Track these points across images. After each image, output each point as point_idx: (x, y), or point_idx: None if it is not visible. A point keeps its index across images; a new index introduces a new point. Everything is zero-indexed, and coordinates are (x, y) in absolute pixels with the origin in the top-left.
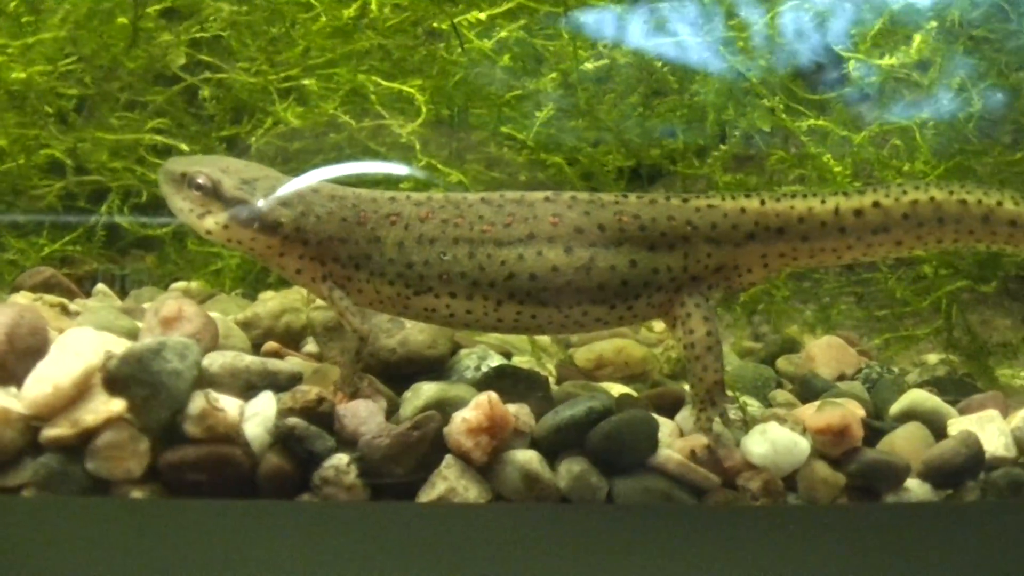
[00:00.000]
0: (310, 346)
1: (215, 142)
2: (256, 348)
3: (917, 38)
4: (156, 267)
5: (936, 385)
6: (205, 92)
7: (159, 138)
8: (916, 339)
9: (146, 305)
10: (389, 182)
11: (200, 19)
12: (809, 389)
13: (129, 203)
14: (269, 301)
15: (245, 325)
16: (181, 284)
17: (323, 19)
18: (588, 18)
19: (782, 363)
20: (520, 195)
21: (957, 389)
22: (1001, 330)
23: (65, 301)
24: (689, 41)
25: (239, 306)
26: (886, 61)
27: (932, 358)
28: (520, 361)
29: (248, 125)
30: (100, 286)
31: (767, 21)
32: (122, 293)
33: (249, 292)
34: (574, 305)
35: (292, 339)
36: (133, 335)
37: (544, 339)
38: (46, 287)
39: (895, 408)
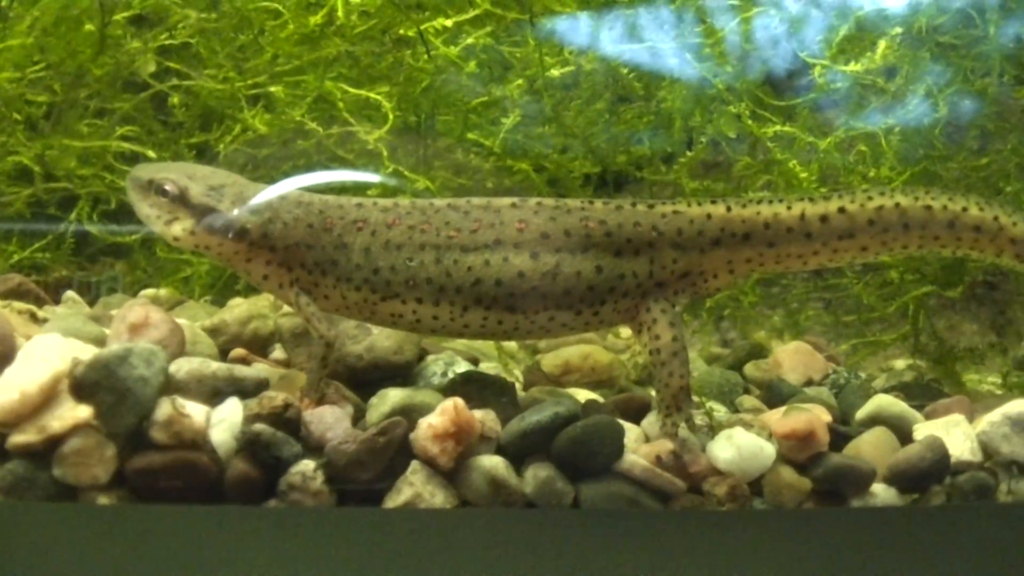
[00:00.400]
0: (278, 352)
1: (184, 149)
2: (224, 354)
3: (882, 44)
4: (126, 274)
5: (903, 390)
6: (174, 99)
7: (126, 145)
8: (883, 344)
9: (114, 312)
10: (358, 189)
11: (168, 26)
12: (776, 394)
13: (98, 210)
14: (236, 307)
15: (212, 331)
16: (150, 291)
17: (291, 26)
18: (555, 25)
19: (750, 369)
20: (486, 201)
21: (924, 394)
22: (968, 335)
23: (34, 308)
24: (656, 47)
25: (207, 313)
26: (851, 67)
27: (900, 363)
28: (487, 367)
29: (218, 132)
30: (70, 293)
31: (736, 27)
32: (96, 301)
33: (218, 299)
34: (540, 311)
35: (260, 345)
36: (101, 342)
37: (512, 345)
38: (16, 294)
39: (861, 413)
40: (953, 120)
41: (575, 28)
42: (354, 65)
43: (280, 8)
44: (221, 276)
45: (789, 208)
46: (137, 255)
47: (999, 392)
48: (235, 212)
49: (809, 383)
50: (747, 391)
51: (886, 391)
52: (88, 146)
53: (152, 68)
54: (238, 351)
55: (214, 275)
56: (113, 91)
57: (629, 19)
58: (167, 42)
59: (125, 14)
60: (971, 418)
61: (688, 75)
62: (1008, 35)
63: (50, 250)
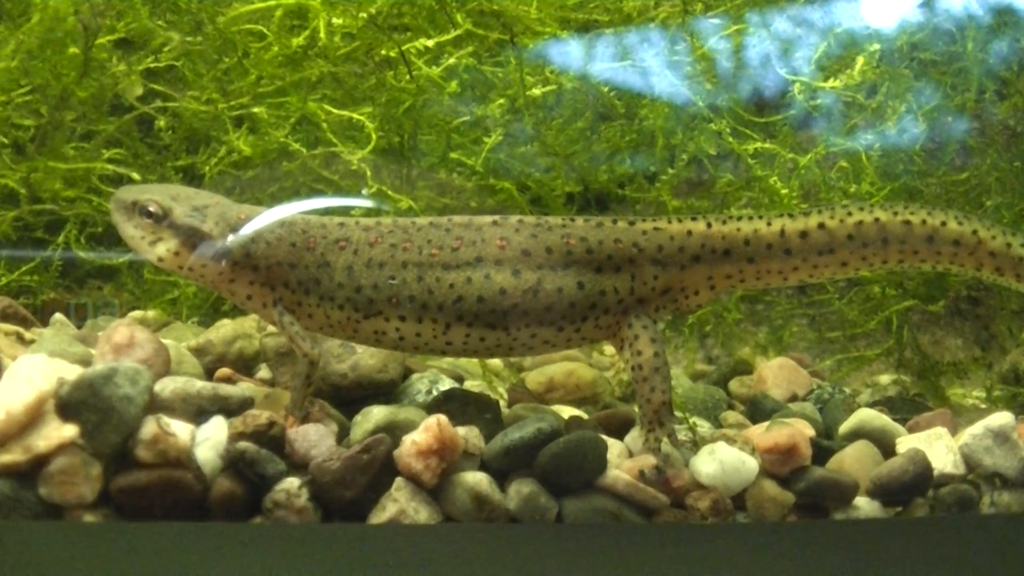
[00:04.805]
0: (263, 372)
1: (171, 171)
2: (209, 374)
3: (860, 61)
4: (113, 296)
5: (887, 405)
6: (161, 122)
7: (110, 167)
8: (867, 360)
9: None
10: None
11: (153, 49)
12: (759, 410)
13: (85, 233)
14: (222, 328)
15: (198, 351)
16: (138, 313)
17: (275, 48)
18: (536, 45)
19: (734, 385)
20: (468, 219)
21: (908, 408)
22: (952, 350)
23: (21, 330)
24: (637, 66)
25: (193, 333)
26: (830, 84)
27: (884, 378)
28: (472, 385)
29: (205, 154)
30: (58, 316)
31: (719, 46)
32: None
33: (205, 320)
34: (522, 327)
35: (245, 365)
36: (87, 362)
37: (496, 363)
38: (3, 316)
39: (844, 427)
40: (934, 136)
41: (557, 48)
42: (338, 87)
43: (264, 30)
44: (208, 298)
45: (769, 224)
46: (124, 277)
47: (983, 406)
48: (219, 233)
49: (793, 398)
50: (731, 407)
51: (870, 406)
52: (72, 168)
53: (139, 91)
54: (223, 371)
55: (201, 297)
56: (99, 114)
57: (610, 39)
58: (153, 65)
59: (110, 37)
60: (954, 431)
61: (670, 94)
62: (991, 52)
63: (37, 273)
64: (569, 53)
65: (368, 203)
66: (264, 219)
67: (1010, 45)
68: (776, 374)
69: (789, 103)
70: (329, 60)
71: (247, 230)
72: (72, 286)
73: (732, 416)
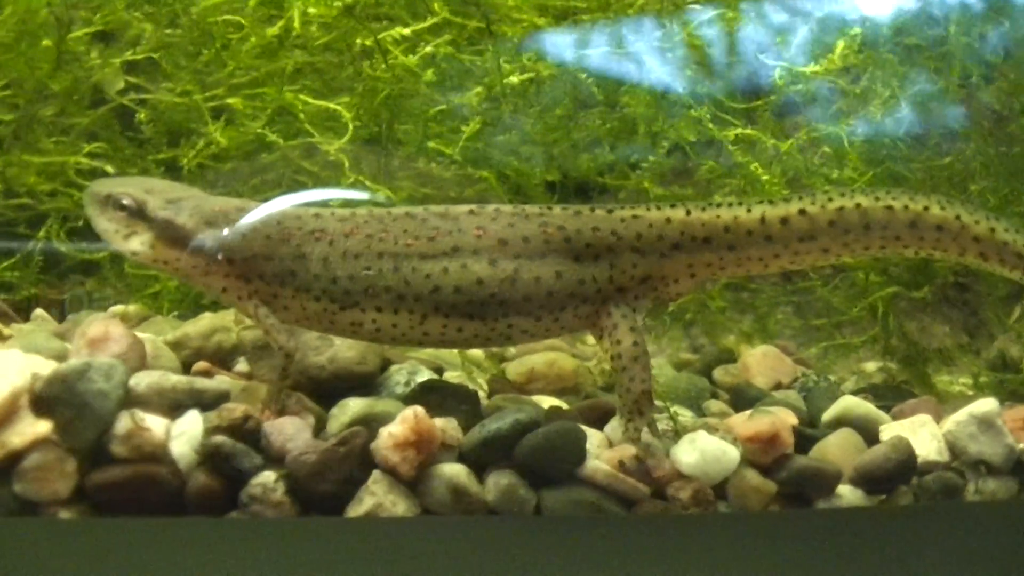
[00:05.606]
0: (242, 365)
1: (152, 165)
2: (187, 368)
3: (840, 45)
4: (96, 291)
5: (873, 392)
6: (141, 115)
7: (84, 160)
8: (853, 347)
9: None
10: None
11: (132, 41)
12: (742, 399)
13: (66, 227)
14: (200, 321)
15: (176, 345)
16: (119, 307)
17: (253, 39)
18: (516, 33)
19: (719, 374)
20: (444, 208)
21: (894, 396)
22: (940, 336)
23: (0, 326)
24: (619, 54)
25: (173, 327)
26: (811, 69)
27: (870, 366)
28: (452, 376)
29: (187, 147)
30: (38, 311)
31: (713, 34)
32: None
33: (186, 314)
34: (500, 317)
35: (223, 358)
36: (63, 357)
37: (478, 353)
38: None
39: (827, 415)
40: (921, 122)
41: (535, 36)
42: (318, 77)
43: (242, 21)
44: (190, 291)
45: (749, 211)
46: (107, 272)
47: (970, 393)
48: (193, 225)
49: (778, 387)
50: (715, 396)
51: (855, 393)
52: (47, 162)
53: (121, 84)
54: (201, 364)
55: (183, 291)
56: (79, 107)
57: (589, 26)
58: (131, 57)
59: (87, 30)
60: (938, 418)
61: (651, 81)
62: (976, 36)
63: (18, 268)
64: (547, 41)
65: (364, 195)
66: (239, 211)
67: (996, 28)
68: (760, 362)
69: (775, 90)
70: (308, 50)
71: (219, 220)
72: (54, 281)
73: (715, 405)
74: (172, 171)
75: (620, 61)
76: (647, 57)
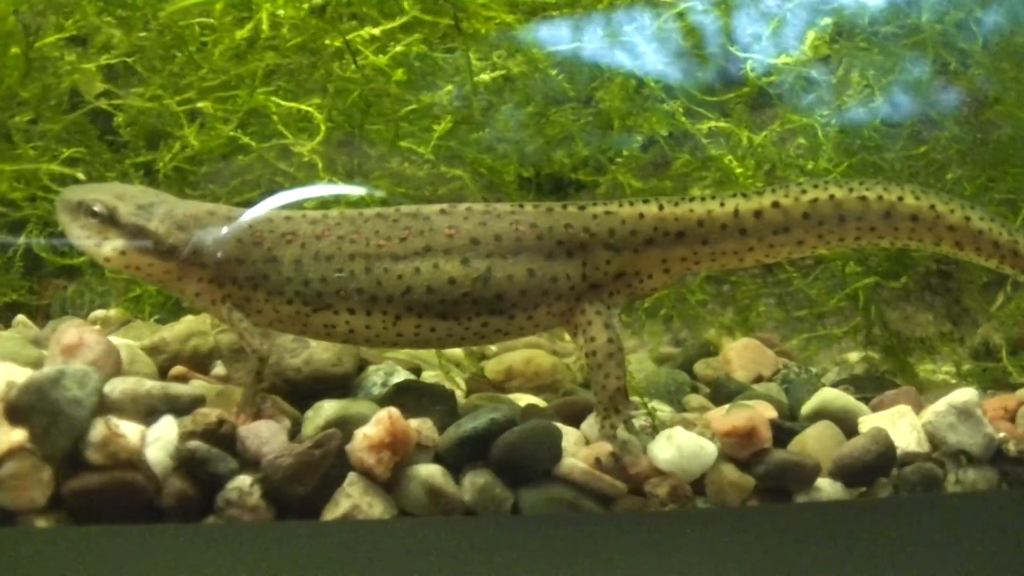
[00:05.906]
0: (219, 369)
1: (130, 169)
2: (165, 373)
3: (811, 35)
4: (77, 296)
5: (854, 383)
6: (119, 119)
7: (55, 167)
8: (836, 338)
9: None
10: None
11: (103, 46)
12: (722, 392)
13: (46, 232)
14: (176, 325)
15: (152, 350)
16: (100, 312)
17: (226, 41)
18: (487, 30)
19: (700, 367)
20: (415, 208)
21: (876, 386)
22: (924, 325)
23: None
24: (590, 47)
25: (152, 332)
26: (782, 60)
27: (853, 356)
28: (430, 376)
29: (164, 151)
30: (20, 317)
31: (686, 26)
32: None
33: (167, 318)
34: (473, 317)
35: (200, 362)
36: (39, 365)
37: (456, 353)
38: None
39: (806, 408)
40: (891, 111)
41: (506, 33)
42: (291, 78)
43: (214, 23)
44: (171, 296)
45: (723, 205)
46: (88, 277)
47: (953, 382)
48: (165, 230)
49: (759, 379)
50: (695, 390)
51: (836, 385)
52: (20, 168)
53: (100, 89)
54: (178, 369)
55: (164, 295)
56: (55, 112)
57: (560, 21)
58: (106, 61)
59: (60, 36)
60: (918, 409)
61: (624, 74)
62: (950, 24)
63: None
64: (519, 37)
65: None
66: (211, 215)
67: (970, 16)
68: (741, 355)
69: (747, 82)
70: (279, 52)
71: (190, 224)
72: (35, 286)
73: (695, 400)
74: (150, 175)
75: (593, 55)
76: (619, 52)
